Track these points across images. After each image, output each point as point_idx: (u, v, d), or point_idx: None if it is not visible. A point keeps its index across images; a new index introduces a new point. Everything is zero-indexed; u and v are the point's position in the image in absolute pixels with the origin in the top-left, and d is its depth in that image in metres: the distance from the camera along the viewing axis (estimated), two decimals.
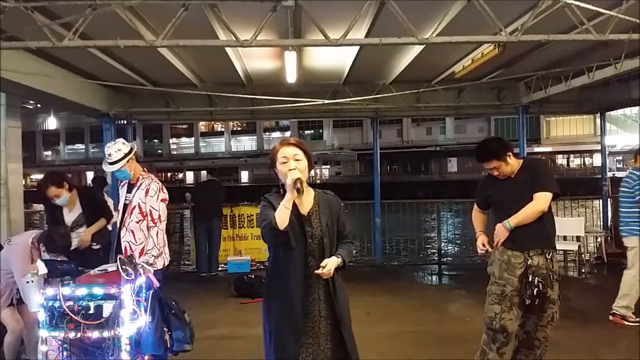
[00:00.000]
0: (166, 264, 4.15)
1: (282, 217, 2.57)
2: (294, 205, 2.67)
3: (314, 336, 2.73)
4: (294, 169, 2.65)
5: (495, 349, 3.55)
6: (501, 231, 3.57)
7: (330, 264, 2.67)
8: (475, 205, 4.02)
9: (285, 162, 2.69)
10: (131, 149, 4.12)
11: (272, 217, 2.58)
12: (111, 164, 4.06)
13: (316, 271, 2.65)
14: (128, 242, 4.03)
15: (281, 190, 2.71)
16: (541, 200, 3.50)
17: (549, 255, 3.56)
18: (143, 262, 3.78)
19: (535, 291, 3.44)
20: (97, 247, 4.79)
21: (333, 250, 2.77)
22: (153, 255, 3.93)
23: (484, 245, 3.71)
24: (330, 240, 2.76)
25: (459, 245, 13.56)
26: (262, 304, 2.83)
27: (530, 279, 3.46)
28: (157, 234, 3.99)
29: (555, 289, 3.56)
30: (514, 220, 3.51)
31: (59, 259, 4.14)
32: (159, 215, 4.02)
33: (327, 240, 2.74)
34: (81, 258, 4.06)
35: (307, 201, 2.78)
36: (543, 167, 3.84)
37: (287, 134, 51.43)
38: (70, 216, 4.75)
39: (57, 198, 4.62)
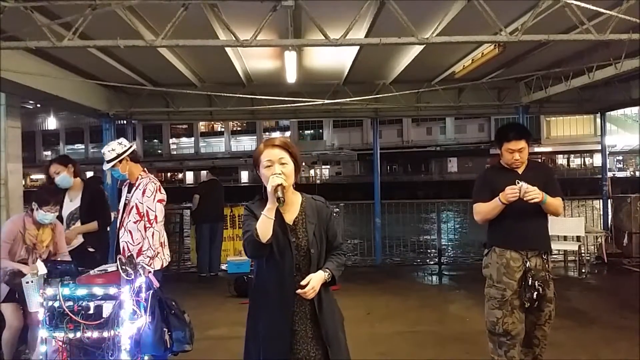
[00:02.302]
0: (165, 265, 4.13)
1: (263, 228, 2.31)
2: (278, 214, 2.40)
3: None
4: (279, 174, 2.36)
5: (503, 354, 3.53)
6: (538, 192, 3.36)
7: (313, 281, 2.39)
8: (476, 204, 3.68)
9: (269, 166, 2.41)
10: (126, 150, 4.12)
11: (254, 229, 2.33)
12: (106, 162, 4.13)
13: (298, 291, 2.38)
14: (126, 242, 4.03)
15: (264, 195, 2.42)
16: (561, 205, 3.56)
17: (545, 255, 3.55)
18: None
19: (535, 295, 3.43)
20: (92, 250, 4.76)
21: (322, 262, 2.51)
22: (148, 257, 3.91)
23: (512, 189, 3.38)
24: (319, 252, 2.49)
25: (459, 245, 13.55)
26: (247, 319, 2.59)
27: (530, 282, 3.44)
28: (152, 235, 3.97)
29: (551, 287, 3.55)
30: (548, 199, 3.42)
31: (59, 259, 4.14)
32: (155, 216, 4.00)
33: (314, 252, 2.47)
34: (78, 261, 4.05)
35: (293, 208, 2.52)
36: (553, 172, 3.85)
37: (287, 134, 51.41)
38: (69, 206, 4.77)
39: (57, 175, 4.68)
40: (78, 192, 4.82)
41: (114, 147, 4.11)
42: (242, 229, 2.51)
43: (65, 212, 4.74)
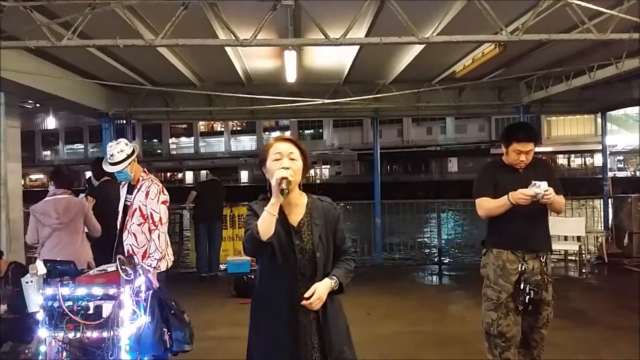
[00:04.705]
0: (169, 265, 4.13)
1: (265, 225, 2.18)
2: (282, 215, 2.28)
3: None
4: (287, 168, 2.25)
5: (498, 355, 3.52)
6: (552, 193, 3.30)
7: (318, 291, 2.25)
8: (480, 199, 3.57)
9: (278, 159, 2.30)
10: (133, 150, 4.05)
11: (255, 226, 2.20)
12: (113, 164, 3.98)
13: (302, 302, 2.24)
14: (130, 245, 3.99)
15: (268, 194, 2.28)
16: (563, 203, 3.54)
17: (543, 258, 3.51)
18: (147, 265, 3.77)
19: (527, 299, 3.41)
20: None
21: (328, 267, 2.36)
22: (156, 259, 3.90)
23: (524, 194, 3.31)
24: (325, 256, 2.35)
25: (459, 245, 13.54)
26: (249, 324, 2.48)
27: (522, 286, 3.41)
28: (158, 237, 3.95)
29: (549, 291, 3.52)
30: (555, 198, 3.36)
31: (58, 259, 4.13)
32: (160, 218, 3.98)
33: (320, 256, 2.32)
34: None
35: (298, 210, 2.38)
36: (553, 169, 3.82)
37: (287, 133, 51.36)
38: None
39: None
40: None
41: (123, 148, 3.98)
42: (244, 229, 2.35)
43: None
